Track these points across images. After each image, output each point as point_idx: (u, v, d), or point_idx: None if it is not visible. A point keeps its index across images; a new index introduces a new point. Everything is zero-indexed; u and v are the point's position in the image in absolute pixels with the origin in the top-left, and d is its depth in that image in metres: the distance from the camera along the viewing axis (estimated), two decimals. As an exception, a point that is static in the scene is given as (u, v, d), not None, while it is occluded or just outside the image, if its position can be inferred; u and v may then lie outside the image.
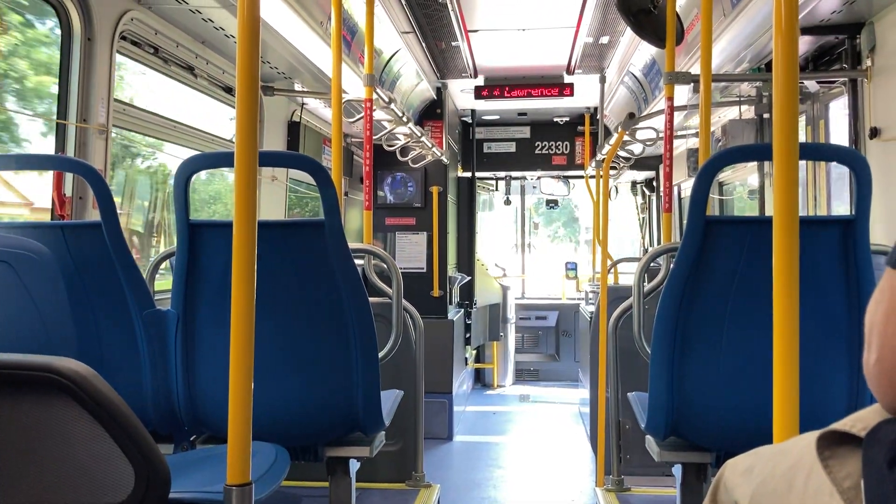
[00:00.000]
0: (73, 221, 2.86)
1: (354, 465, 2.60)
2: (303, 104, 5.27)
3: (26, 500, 1.49)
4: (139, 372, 2.37)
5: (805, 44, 3.69)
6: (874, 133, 3.26)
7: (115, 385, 1.53)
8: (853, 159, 2.06)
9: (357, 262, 2.38)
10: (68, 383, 1.45)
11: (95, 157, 3.03)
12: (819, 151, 2.71)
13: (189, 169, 2.22)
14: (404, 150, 5.92)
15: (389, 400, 2.81)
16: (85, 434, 1.50)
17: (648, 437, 2.49)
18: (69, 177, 2.96)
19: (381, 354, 2.54)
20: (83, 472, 1.51)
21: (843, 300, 2.11)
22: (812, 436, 0.99)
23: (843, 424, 0.92)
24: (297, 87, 4.81)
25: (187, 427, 2.42)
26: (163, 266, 3.08)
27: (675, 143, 5.95)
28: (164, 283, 3.32)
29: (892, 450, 0.83)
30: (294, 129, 5.22)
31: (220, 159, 2.53)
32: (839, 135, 3.79)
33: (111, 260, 2.26)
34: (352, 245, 2.41)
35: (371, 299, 2.37)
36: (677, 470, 2.51)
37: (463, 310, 7.71)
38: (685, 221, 2.19)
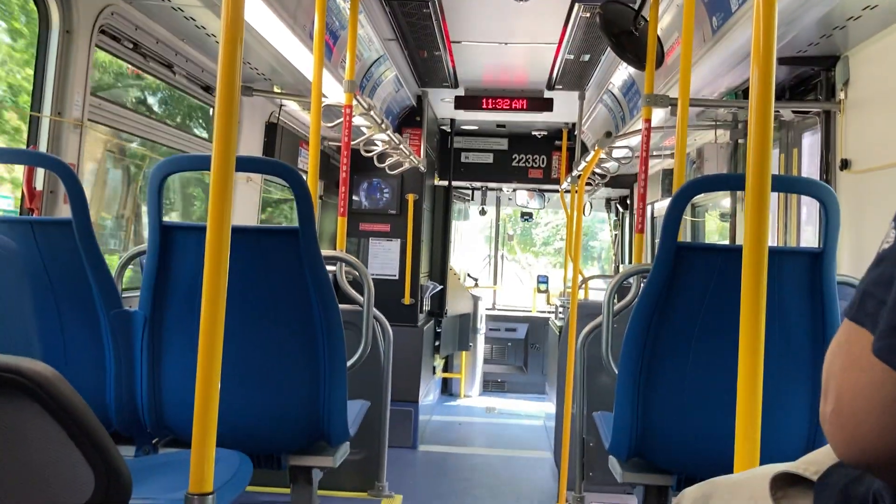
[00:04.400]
0: (43, 217, 2.82)
1: (318, 475, 2.59)
2: (281, 106, 5.25)
3: (-19, 502, 1.47)
4: (103, 372, 2.34)
5: (782, 73, 3.75)
6: (844, 165, 3.32)
7: (79, 384, 1.51)
8: (824, 194, 2.09)
9: (329, 268, 2.38)
10: (31, 385, 1.43)
11: (69, 151, 2.99)
12: (791, 184, 2.76)
13: (164, 171, 2.20)
14: (382, 156, 5.91)
15: (355, 410, 2.80)
16: (45, 437, 1.48)
17: (612, 458, 2.51)
18: (41, 170, 2.92)
19: (349, 364, 2.53)
20: (41, 476, 1.49)
21: (808, 331, 2.15)
22: (767, 470, 1.01)
23: (796, 467, 0.94)
24: (277, 89, 4.79)
25: (150, 430, 2.39)
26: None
27: (650, 163, 6.01)
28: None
29: (843, 493, 0.85)
30: (271, 130, 5.19)
31: (197, 162, 2.51)
32: (811, 164, 3.85)
33: (80, 258, 2.23)
34: (324, 252, 2.41)
35: (341, 306, 2.36)
36: (639, 491, 2.52)
37: (434, 318, 7.71)
38: (657, 242, 2.21)
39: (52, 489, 1.49)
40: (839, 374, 0.77)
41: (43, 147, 2.94)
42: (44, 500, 1.49)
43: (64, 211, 2.96)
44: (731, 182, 2.93)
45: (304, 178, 3.33)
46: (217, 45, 3.98)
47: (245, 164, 2.75)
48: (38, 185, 2.92)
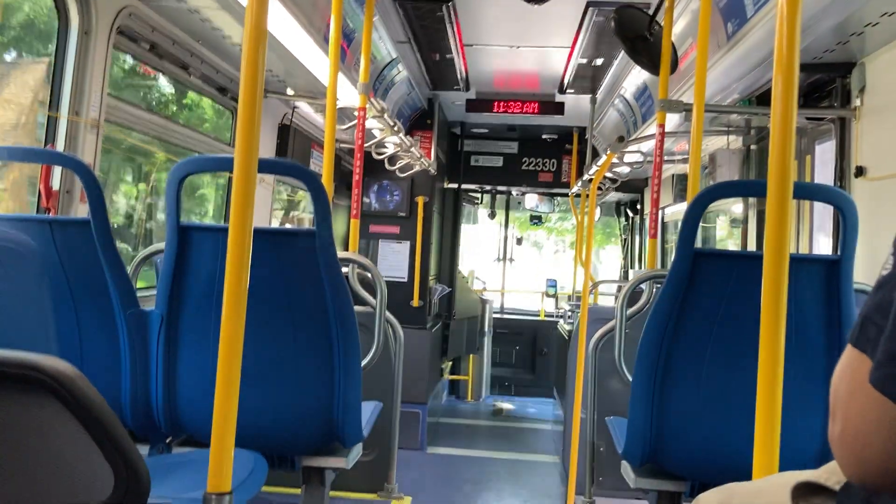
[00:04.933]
0: (61, 217, 2.84)
1: (330, 476, 2.59)
2: (294, 108, 5.26)
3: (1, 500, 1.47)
4: (119, 371, 2.35)
5: (798, 79, 3.74)
6: (860, 172, 3.31)
7: (95, 383, 1.51)
8: (843, 202, 2.09)
9: (341, 269, 2.38)
10: (52, 382, 1.43)
11: (86, 151, 3.01)
12: (811, 191, 2.75)
13: (183, 171, 2.21)
14: (392, 158, 5.92)
15: (368, 411, 2.81)
16: (66, 435, 1.48)
17: (624, 463, 2.50)
18: (57, 169, 2.94)
19: (362, 364, 2.54)
20: (61, 474, 1.49)
21: (824, 339, 2.14)
22: (786, 478, 1.00)
23: (818, 476, 0.94)
24: (290, 90, 4.81)
25: (165, 429, 2.40)
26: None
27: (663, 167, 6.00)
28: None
29: None
30: (284, 131, 5.21)
31: (216, 163, 2.52)
32: (825, 171, 3.85)
33: (98, 257, 2.24)
34: (338, 254, 2.41)
35: (354, 308, 2.36)
36: (651, 497, 2.52)
37: (441, 321, 7.71)
38: (668, 247, 2.21)
39: (72, 487, 1.49)
40: (845, 398, 0.78)
41: (60, 147, 2.96)
42: (63, 498, 1.50)
43: (79, 211, 2.98)
44: (752, 188, 2.91)
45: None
46: (233, 48, 4.02)
47: (266, 167, 2.76)
48: (55, 185, 2.93)
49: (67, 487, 1.51)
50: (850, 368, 0.77)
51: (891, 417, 0.71)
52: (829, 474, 0.93)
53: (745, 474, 1.59)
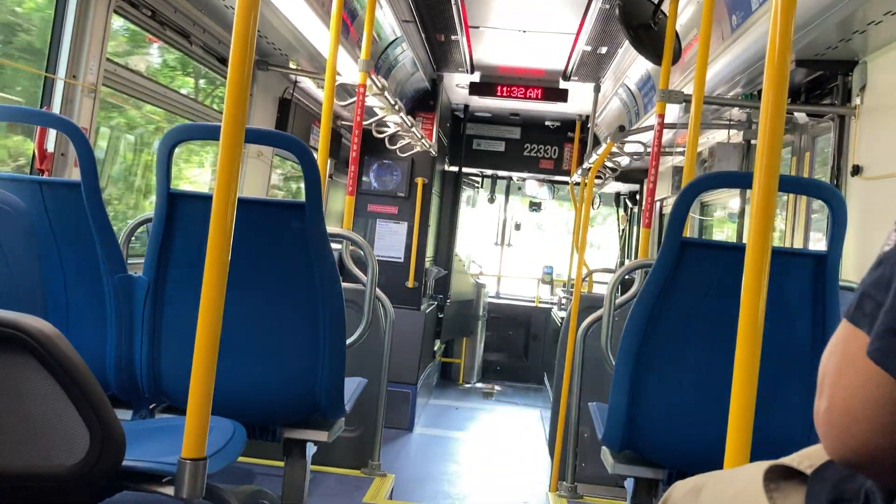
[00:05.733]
0: (51, 178, 2.83)
1: (311, 449, 2.60)
2: (295, 82, 5.25)
3: (-24, 455, 1.48)
4: (104, 335, 2.35)
5: (799, 75, 3.73)
6: (856, 170, 3.30)
7: (79, 346, 1.53)
8: (830, 196, 2.09)
9: (334, 246, 2.39)
10: (32, 342, 1.44)
11: (82, 115, 3.00)
12: (798, 185, 2.75)
13: (173, 138, 2.20)
14: (393, 137, 5.91)
15: (352, 387, 2.82)
16: (44, 394, 1.49)
17: (604, 448, 2.52)
18: (52, 132, 2.93)
19: (349, 341, 2.54)
20: (38, 432, 1.51)
21: (808, 333, 2.15)
22: (760, 465, 1.01)
23: (790, 460, 0.94)
24: (292, 64, 4.79)
25: (147, 395, 2.41)
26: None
27: (661, 159, 5.99)
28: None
29: (836, 489, 0.86)
30: (285, 106, 5.19)
31: (206, 131, 2.51)
32: (824, 168, 3.84)
33: (87, 221, 2.24)
34: (330, 229, 2.41)
35: (345, 285, 2.37)
36: (629, 483, 2.54)
37: (436, 303, 7.72)
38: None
39: (49, 445, 1.50)
40: (834, 373, 0.77)
41: (56, 109, 2.95)
42: (40, 455, 1.51)
43: (73, 174, 2.98)
44: (739, 180, 2.92)
45: (315, 154, 3.34)
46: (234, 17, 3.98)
47: (254, 136, 2.76)
48: (50, 147, 2.93)
49: (44, 446, 1.52)
50: (843, 343, 0.77)
51: (882, 393, 0.70)
52: (802, 458, 0.94)
53: (721, 464, 1.60)
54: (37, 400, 1.50)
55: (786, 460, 0.95)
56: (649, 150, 4.52)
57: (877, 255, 0.77)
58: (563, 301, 7.23)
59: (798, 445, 2.22)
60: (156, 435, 2.05)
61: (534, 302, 9.75)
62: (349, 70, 4.48)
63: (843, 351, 0.77)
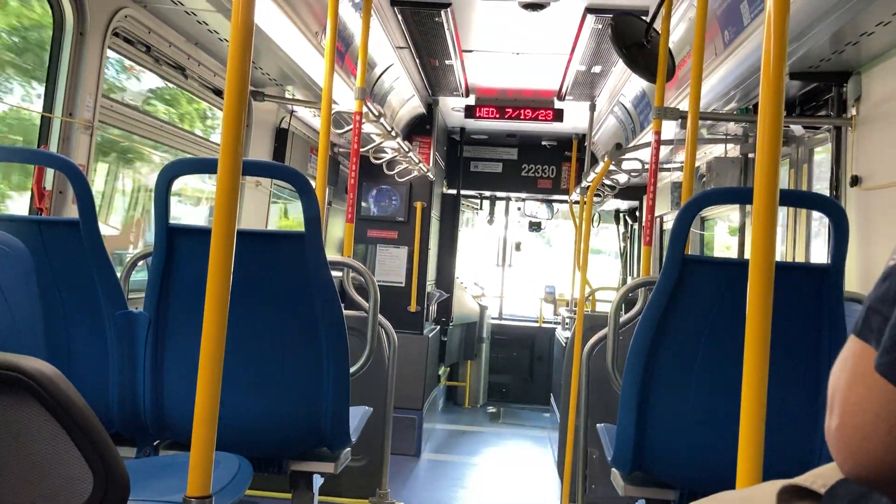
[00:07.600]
0: (50, 217, 2.83)
1: (318, 480, 2.58)
2: (292, 112, 5.26)
3: (-21, 500, 1.46)
4: (106, 372, 2.34)
5: (793, 88, 3.74)
6: (855, 181, 3.30)
7: (82, 384, 1.51)
8: (832, 209, 2.08)
9: (335, 274, 2.38)
10: (33, 384, 1.43)
11: (79, 152, 3.00)
12: (799, 198, 2.74)
13: (171, 173, 2.20)
14: (391, 163, 5.92)
15: (357, 416, 2.79)
16: (45, 436, 1.47)
17: (614, 470, 2.49)
18: (50, 171, 2.93)
19: (353, 370, 2.53)
20: (41, 475, 1.49)
21: (814, 347, 2.13)
22: (774, 485, 0.99)
23: (804, 480, 0.93)
24: (288, 94, 4.81)
25: (151, 431, 2.39)
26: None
27: (660, 175, 6.00)
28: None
29: None
30: (282, 135, 5.20)
31: (204, 165, 2.51)
32: (822, 180, 3.84)
33: (86, 259, 2.24)
34: (330, 258, 2.40)
35: (347, 312, 2.36)
36: (640, 504, 2.51)
37: (439, 326, 7.70)
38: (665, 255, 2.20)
39: (51, 488, 1.48)
40: (844, 389, 0.76)
41: (53, 147, 2.95)
42: (43, 499, 1.49)
43: (72, 212, 2.98)
44: (740, 195, 2.92)
45: (313, 183, 3.34)
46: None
47: (252, 168, 2.76)
48: (48, 186, 2.93)
49: (47, 488, 1.50)
50: (852, 359, 0.76)
51: (892, 408, 0.69)
52: (815, 478, 0.92)
53: (732, 482, 1.58)
54: (39, 442, 1.48)
55: (799, 480, 0.94)
56: (647, 167, 4.52)
57: (880, 266, 0.76)
58: (567, 321, 7.20)
59: (806, 460, 2.19)
60: (160, 473, 2.03)
61: (537, 322, 9.72)
62: (345, 98, 4.49)
63: (852, 367, 0.76)
